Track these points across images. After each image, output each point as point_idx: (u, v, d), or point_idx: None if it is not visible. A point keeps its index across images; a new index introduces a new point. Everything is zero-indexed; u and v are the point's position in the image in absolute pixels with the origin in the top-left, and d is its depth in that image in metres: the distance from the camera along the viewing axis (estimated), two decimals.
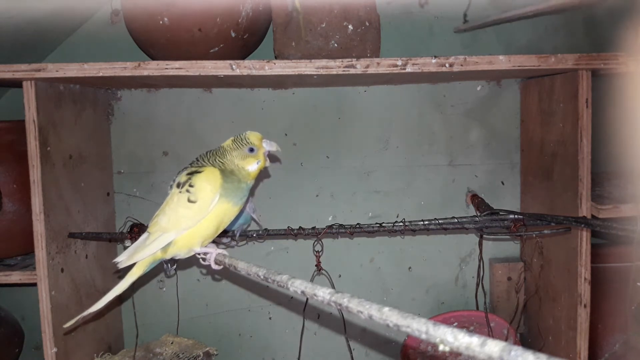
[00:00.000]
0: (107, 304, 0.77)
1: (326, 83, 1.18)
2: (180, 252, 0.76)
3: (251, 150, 0.79)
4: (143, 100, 1.24)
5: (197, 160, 0.80)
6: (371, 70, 0.89)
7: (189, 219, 0.73)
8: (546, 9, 1.00)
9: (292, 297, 1.27)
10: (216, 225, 0.77)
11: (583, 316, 0.95)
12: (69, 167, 1.02)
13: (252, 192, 1.08)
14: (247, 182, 0.79)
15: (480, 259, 1.02)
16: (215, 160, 0.79)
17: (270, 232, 1.01)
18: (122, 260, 0.76)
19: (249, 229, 1.07)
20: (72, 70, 0.88)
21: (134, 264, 0.77)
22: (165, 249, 0.75)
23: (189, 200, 0.73)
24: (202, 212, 0.73)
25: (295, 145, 1.27)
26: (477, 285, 1.05)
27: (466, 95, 1.25)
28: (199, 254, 0.78)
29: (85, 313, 0.76)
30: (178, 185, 0.75)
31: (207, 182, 0.74)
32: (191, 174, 0.76)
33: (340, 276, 1.29)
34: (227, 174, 0.77)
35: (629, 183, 1.06)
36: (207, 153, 0.81)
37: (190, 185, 0.74)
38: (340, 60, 0.89)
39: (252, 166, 0.79)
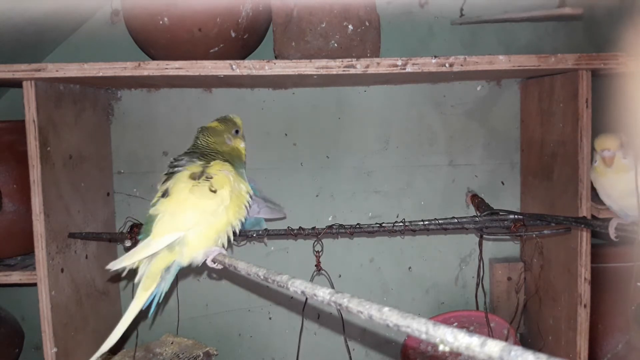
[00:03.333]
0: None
1: (326, 83, 1.18)
2: (195, 251, 0.73)
3: (236, 132, 0.86)
4: (143, 100, 1.24)
5: (190, 154, 0.79)
6: (371, 70, 0.89)
7: (209, 212, 0.72)
8: (543, 16, 1.01)
9: (292, 297, 1.27)
10: (231, 219, 0.76)
11: (583, 316, 0.95)
12: (69, 167, 1.02)
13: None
14: (244, 165, 0.82)
15: (480, 259, 1.02)
16: (210, 145, 0.80)
17: (270, 232, 1.00)
18: (117, 260, 0.71)
19: (251, 229, 1.06)
20: (72, 70, 0.88)
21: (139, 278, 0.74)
22: (179, 249, 0.72)
23: (210, 190, 0.72)
24: (223, 202, 0.73)
25: (295, 145, 1.27)
26: (477, 285, 1.05)
27: (466, 95, 1.25)
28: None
29: (108, 345, 0.72)
30: (194, 178, 0.73)
31: (224, 176, 0.75)
32: (202, 172, 0.75)
33: (340, 276, 1.29)
34: (233, 161, 0.79)
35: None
36: (199, 144, 0.81)
37: (207, 178, 0.73)
38: (340, 60, 0.89)
39: (242, 144, 0.86)
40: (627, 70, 0.88)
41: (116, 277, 1.18)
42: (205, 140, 0.81)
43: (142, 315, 1.23)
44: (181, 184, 0.73)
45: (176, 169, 0.76)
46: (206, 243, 0.74)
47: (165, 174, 0.78)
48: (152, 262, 0.73)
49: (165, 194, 0.74)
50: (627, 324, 1.00)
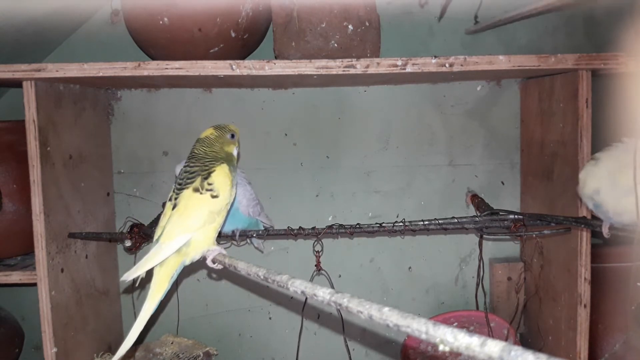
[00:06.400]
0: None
1: (326, 83, 1.18)
2: (198, 251, 0.76)
3: (232, 136, 0.87)
4: (143, 100, 1.24)
5: (192, 165, 0.80)
6: (371, 70, 0.89)
7: (215, 213, 0.77)
8: (547, 6, 1.01)
9: (292, 297, 1.27)
10: (225, 215, 0.80)
11: (583, 316, 0.95)
12: (69, 167, 1.02)
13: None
14: (236, 168, 0.85)
15: (480, 259, 1.02)
16: (208, 153, 0.83)
17: (270, 232, 1.01)
18: (131, 271, 0.72)
19: (249, 229, 1.06)
20: (72, 70, 0.88)
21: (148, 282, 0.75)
22: (185, 250, 0.75)
23: (212, 197, 0.77)
24: (224, 203, 0.78)
25: (295, 145, 1.27)
26: (477, 285, 1.05)
27: (466, 95, 1.25)
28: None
29: (123, 350, 0.71)
30: (196, 190, 0.77)
31: (225, 177, 0.79)
32: (205, 177, 0.78)
33: (340, 276, 1.29)
34: (229, 164, 0.82)
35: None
36: (197, 153, 0.83)
37: (210, 184, 0.77)
38: (340, 60, 0.89)
39: (234, 151, 0.87)
40: (627, 70, 0.88)
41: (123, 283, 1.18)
42: (202, 149, 0.83)
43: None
44: (186, 196, 0.77)
45: (181, 191, 0.78)
46: (208, 243, 0.77)
47: (173, 196, 0.79)
48: (163, 266, 0.75)
49: (174, 208, 0.78)
50: (627, 324, 1.00)
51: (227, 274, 1.27)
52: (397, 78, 1.11)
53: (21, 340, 1.19)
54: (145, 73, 0.89)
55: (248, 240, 1.16)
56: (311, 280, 1.00)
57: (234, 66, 0.89)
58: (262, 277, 0.60)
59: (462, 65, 0.90)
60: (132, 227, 1.04)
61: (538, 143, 1.14)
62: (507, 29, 1.25)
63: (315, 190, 1.28)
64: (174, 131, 1.24)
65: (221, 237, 1.06)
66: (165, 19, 0.94)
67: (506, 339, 1.14)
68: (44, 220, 0.92)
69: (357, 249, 1.29)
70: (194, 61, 0.89)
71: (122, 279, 0.72)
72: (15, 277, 0.98)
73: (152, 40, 1.00)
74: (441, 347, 0.39)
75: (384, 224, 0.94)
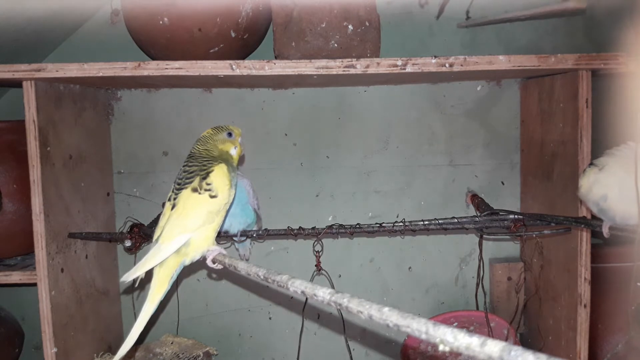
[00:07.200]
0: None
1: (326, 83, 1.18)
2: (197, 251, 0.76)
3: (229, 134, 0.86)
4: (143, 100, 1.24)
5: (190, 165, 0.80)
6: (371, 70, 0.89)
7: (214, 213, 0.76)
8: (546, 13, 1.01)
9: (292, 297, 1.27)
10: (224, 215, 0.80)
11: (583, 316, 0.95)
12: (69, 167, 1.02)
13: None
14: (235, 168, 0.85)
15: (480, 259, 1.02)
16: (203, 152, 0.83)
17: (270, 232, 1.01)
18: (131, 271, 0.72)
19: (249, 228, 1.06)
20: (72, 70, 0.88)
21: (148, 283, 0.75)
22: (184, 251, 0.75)
23: (211, 197, 0.76)
24: (223, 203, 0.78)
25: (295, 145, 1.27)
26: (477, 285, 1.05)
27: (466, 95, 1.25)
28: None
29: (124, 350, 0.72)
30: (195, 190, 0.76)
31: (224, 177, 0.78)
32: (204, 177, 0.78)
33: (340, 276, 1.29)
34: (227, 164, 0.81)
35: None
36: (195, 152, 0.83)
37: (208, 184, 0.77)
38: (340, 60, 0.89)
39: (232, 150, 0.85)
40: (627, 70, 0.88)
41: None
42: (198, 148, 0.83)
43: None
44: (185, 196, 0.77)
45: (180, 191, 0.78)
46: (207, 243, 0.77)
47: (172, 196, 0.79)
48: (162, 266, 0.75)
49: (173, 208, 0.77)
50: (627, 324, 1.00)
51: (227, 274, 1.27)
52: (397, 78, 1.11)
53: (21, 340, 1.19)
54: (145, 73, 0.89)
55: (235, 246, 1.16)
56: (311, 280, 1.00)
57: (234, 66, 0.89)
58: (262, 277, 0.60)
59: (462, 65, 0.90)
60: (132, 227, 1.04)
61: (538, 143, 1.14)
62: (507, 29, 1.25)
63: (315, 190, 1.28)
64: (174, 131, 1.25)
65: (221, 237, 1.06)
66: (165, 19, 0.94)
67: (506, 339, 1.14)
68: (44, 220, 0.92)
69: (357, 249, 1.29)
70: (194, 61, 0.89)
71: (122, 279, 0.72)
72: (15, 277, 0.98)
73: (152, 40, 1.00)
74: (441, 347, 0.39)
75: (384, 224, 0.94)
